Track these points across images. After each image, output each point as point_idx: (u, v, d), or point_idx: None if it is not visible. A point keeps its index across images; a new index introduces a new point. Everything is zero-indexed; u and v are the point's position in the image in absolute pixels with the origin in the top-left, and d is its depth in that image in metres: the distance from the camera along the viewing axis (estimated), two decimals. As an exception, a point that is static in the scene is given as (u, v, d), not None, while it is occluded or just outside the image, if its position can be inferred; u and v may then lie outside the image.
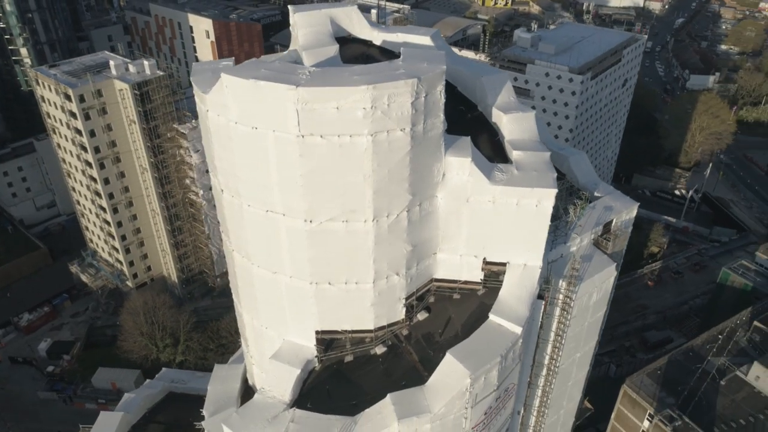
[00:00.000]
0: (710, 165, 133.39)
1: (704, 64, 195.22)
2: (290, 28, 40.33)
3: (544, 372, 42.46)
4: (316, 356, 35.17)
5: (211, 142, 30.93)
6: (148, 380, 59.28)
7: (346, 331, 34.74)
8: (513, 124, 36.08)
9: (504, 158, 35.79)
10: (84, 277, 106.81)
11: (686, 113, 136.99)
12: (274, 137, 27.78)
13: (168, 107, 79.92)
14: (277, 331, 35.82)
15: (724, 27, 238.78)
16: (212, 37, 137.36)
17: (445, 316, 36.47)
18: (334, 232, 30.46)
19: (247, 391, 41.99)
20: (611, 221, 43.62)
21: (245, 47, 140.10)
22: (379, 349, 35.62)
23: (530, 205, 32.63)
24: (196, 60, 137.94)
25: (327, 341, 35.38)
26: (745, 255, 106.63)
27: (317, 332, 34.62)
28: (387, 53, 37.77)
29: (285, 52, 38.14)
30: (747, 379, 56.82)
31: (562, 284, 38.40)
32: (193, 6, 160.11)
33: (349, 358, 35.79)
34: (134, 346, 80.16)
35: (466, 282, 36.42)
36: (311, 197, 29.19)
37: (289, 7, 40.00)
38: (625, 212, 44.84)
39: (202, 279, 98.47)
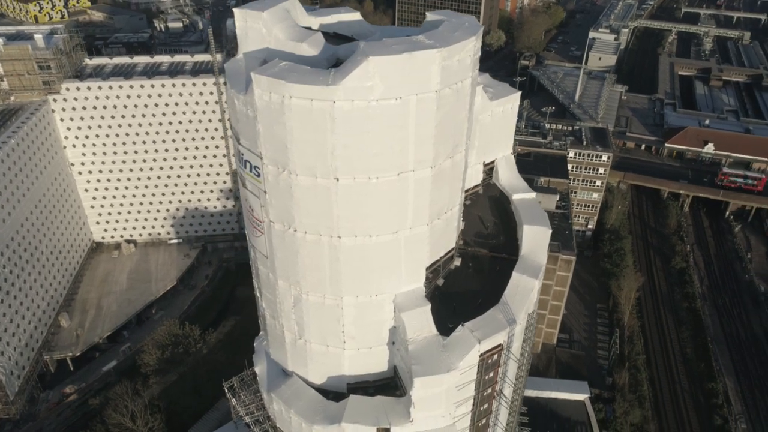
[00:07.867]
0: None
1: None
2: (238, 30, 40.10)
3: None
4: (425, 293, 40.63)
5: (334, 134, 31.91)
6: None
7: (441, 257, 41.27)
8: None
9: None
10: None
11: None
12: (417, 99, 32.17)
13: None
14: (389, 292, 39.27)
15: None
16: None
17: (474, 217, 46.50)
18: (445, 169, 36.65)
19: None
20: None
21: None
22: (457, 261, 43.52)
23: (508, 110, 45.16)
24: None
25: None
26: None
27: (427, 269, 40.12)
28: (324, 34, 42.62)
29: (240, 55, 38.74)
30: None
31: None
32: None
33: (440, 282, 42.54)
34: None
35: (473, 187, 47.05)
36: (438, 144, 34.72)
37: (235, 10, 39.63)
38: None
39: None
